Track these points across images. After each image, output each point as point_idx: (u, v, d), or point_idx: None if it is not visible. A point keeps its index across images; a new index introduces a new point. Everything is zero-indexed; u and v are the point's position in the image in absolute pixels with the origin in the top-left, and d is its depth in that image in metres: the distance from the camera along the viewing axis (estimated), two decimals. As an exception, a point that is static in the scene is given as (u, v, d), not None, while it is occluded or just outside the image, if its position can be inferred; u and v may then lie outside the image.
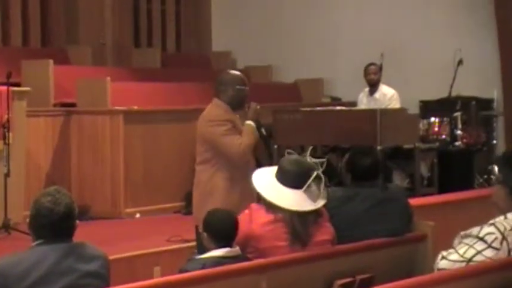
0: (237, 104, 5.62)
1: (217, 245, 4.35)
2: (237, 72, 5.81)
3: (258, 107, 5.68)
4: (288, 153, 4.75)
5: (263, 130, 5.71)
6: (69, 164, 9.29)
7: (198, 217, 5.44)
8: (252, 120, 5.60)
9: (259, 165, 5.07)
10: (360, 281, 4.35)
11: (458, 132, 10.09)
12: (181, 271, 4.18)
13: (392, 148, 9.04)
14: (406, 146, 9.26)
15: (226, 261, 4.21)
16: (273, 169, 4.65)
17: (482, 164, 10.17)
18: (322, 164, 4.33)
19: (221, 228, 4.37)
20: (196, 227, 5.51)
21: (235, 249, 4.35)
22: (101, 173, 9.17)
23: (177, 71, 11.78)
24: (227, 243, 4.35)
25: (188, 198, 7.91)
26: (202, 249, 5.46)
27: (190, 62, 12.56)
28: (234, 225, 4.40)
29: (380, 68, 9.93)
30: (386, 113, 8.88)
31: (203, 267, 4.09)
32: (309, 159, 4.57)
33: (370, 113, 8.77)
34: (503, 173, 4.09)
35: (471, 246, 3.89)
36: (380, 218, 4.83)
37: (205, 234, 4.41)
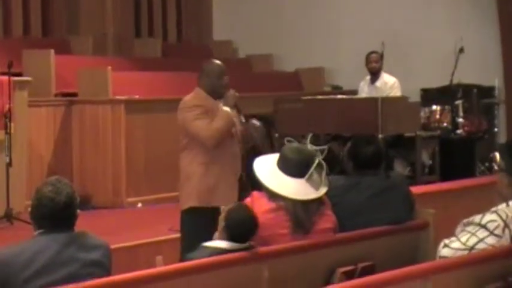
0: (216, 93, 5.78)
1: (228, 237, 4.29)
2: (218, 62, 5.94)
3: (237, 94, 5.81)
4: (288, 141, 4.74)
5: (242, 117, 5.84)
6: (70, 154, 9.29)
7: (181, 202, 5.74)
8: (229, 106, 5.72)
9: (261, 153, 5.07)
10: (361, 268, 4.35)
11: (460, 120, 10.08)
12: (187, 258, 4.15)
13: (393, 136, 9.03)
14: (407, 134, 9.24)
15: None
16: (274, 157, 4.64)
17: (483, 151, 10.15)
18: (322, 151, 4.32)
19: (239, 229, 4.24)
20: (181, 212, 5.72)
21: (245, 244, 4.27)
22: (102, 163, 9.18)
23: (178, 61, 11.76)
24: (236, 241, 4.27)
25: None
26: (188, 234, 5.60)
27: (192, 51, 12.54)
28: (252, 228, 4.28)
29: (381, 57, 9.92)
30: (387, 101, 8.87)
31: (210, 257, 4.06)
32: (310, 146, 4.56)
33: (372, 102, 8.75)
34: (505, 161, 4.09)
35: (473, 234, 3.89)
36: (382, 206, 4.83)
37: (223, 223, 4.33)
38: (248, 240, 4.29)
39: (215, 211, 5.29)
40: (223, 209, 4.45)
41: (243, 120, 5.88)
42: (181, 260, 4.96)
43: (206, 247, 4.26)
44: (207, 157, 5.68)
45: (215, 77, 5.79)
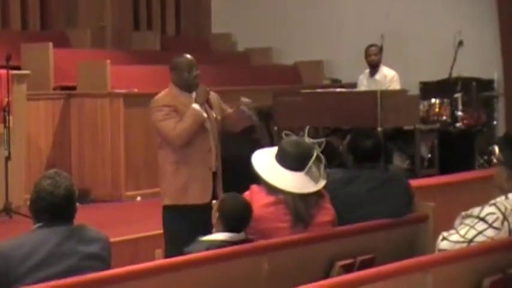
0: (188, 86, 5.75)
1: (223, 228, 4.33)
2: (187, 56, 5.93)
3: (208, 89, 5.78)
4: (286, 134, 4.73)
5: (213, 112, 5.79)
6: (69, 147, 9.29)
7: (163, 198, 5.76)
8: (200, 102, 5.68)
9: (260, 146, 5.07)
10: (360, 262, 4.36)
11: (459, 113, 10.07)
12: (185, 252, 4.17)
13: (392, 129, 9.03)
14: (406, 128, 9.24)
15: (230, 245, 4.19)
16: (272, 150, 4.64)
17: (482, 144, 10.15)
18: (320, 144, 4.31)
19: (232, 215, 4.33)
20: (163, 207, 5.76)
21: (241, 235, 4.31)
22: (101, 156, 9.18)
23: (177, 54, 11.66)
24: (234, 230, 4.31)
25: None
26: (167, 230, 5.68)
27: (190, 44, 12.51)
28: (246, 215, 4.35)
29: (380, 50, 9.91)
30: (386, 94, 8.86)
31: (207, 250, 4.08)
32: (307, 139, 4.56)
33: (371, 95, 8.75)
34: (504, 154, 4.09)
35: (472, 226, 3.90)
36: (381, 199, 4.84)
37: (217, 214, 4.38)
38: (244, 229, 4.32)
39: (189, 209, 5.33)
40: (215, 202, 4.48)
41: (214, 115, 5.81)
42: (166, 256, 5.00)
43: (203, 241, 4.27)
44: (177, 156, 5.67)
45: (185, 70, 5.77)
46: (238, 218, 4.33)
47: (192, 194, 5.62)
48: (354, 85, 10.20)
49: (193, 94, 5.73)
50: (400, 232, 4.87)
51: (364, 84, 9.90)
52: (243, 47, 13.04)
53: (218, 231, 4.34)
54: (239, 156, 5.82)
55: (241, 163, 5.76)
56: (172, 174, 5.68)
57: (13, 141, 7.80)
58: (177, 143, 5.62)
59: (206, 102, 5.74)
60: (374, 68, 9.82)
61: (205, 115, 5.69)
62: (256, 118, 5.84)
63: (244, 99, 5.82)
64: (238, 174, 5.63)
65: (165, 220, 5.79)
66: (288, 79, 12.08)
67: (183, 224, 5.47)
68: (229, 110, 5.93)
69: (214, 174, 5.75)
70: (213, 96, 5.88)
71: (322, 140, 4.40)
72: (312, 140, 4.66)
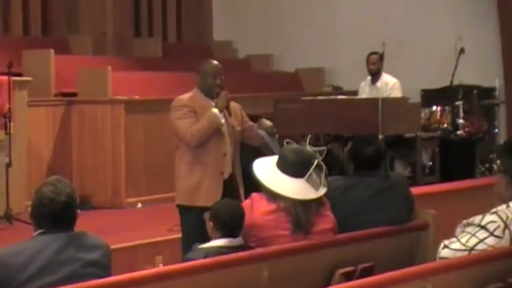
0: (210, 93, 5.86)
1: (220, 234, 4.35)
2: (214, 63, 6.02)
3: (229, 95, 5.86)
4: (287, 142, 4.73)
5: (232, 120, 5.85)
6: (70, 154, 9.29)
7: (176, 198, 5.86)
8: (220, 108, 5.78)
9: (261, 154, 5.07)
10: (361, 269, 4.35)
11: (460, 121, 10.07)
12: (183, 260, 4.18)
13: (394, 137, 9.03)
14: (407, 135, 9.24)
15: (229, 251, 4.21)
16: (274, 158, 4.65)
17: (483, 152, 10.15)
18: (322, 152, 4.32)
19: (226, 219, 4.38)
20: (178, 207, 5.86)
21: (238, 239, 4.35)
22: (102, 163, 9.18)
23: (178, 61, 11.75)
24: (231, 234, 4.35)
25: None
26: (182, 230, 5.75)
27: (191, 51, 12.53)
28: (239, 217, 4.40)
29: (381, 57, 9.91)
30: (388, 102, 8.86)
31: (206, 257, 4.09)
32: (309, 147, 4.55)
33: (372, 102, 8.75)
34: (504, 162, 4.10)
35: (473, 234, 3.89)
36: (382, 206, 4.83)
37: (211, 223, 4.42)
38: (239, 229, 4.34)
39: (198, 210, 5.38)
40: (206, 213, 4.51)
41: (233, 123, 5.90)
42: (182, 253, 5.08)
43: (201, 248, 4.28)
44: (191, 156, 5.80)
45: (210, 77, 5.86)
46: (235, 223, 4.37)
47: (201, 195, 5.71)
48: (355, 92, 10.20)
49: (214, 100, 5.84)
50: (401, 240, 4.86)
51: (365, 91, 9.90)
52: (244, 54, 13.05)
53: (215, 237, 4.36)
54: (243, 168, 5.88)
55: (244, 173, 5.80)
56: (185, 174, 5.80)
57: (14, 148, 7.80)
58: (190, 142, 5.72)
59: (226, 109, 5.84)
60: (374, 76, 9.83)
61: (222, 121, 5.79)
62: (272, 141, 5.90)
63: (266, 122, 5.90)
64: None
65: (180, 218, 5.93)
66: (288, 86, 12.07)
67: (194, 225, 5.51)
68: (250, 123, 6.05)
69: (229, 181, 5.81)
70: (235, 106, 5.98)
71: (324, 148, 4.39)
72: (313, 148, 4.64)
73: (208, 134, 5.72)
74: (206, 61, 6.09)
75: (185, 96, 5.91)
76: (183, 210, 5.85)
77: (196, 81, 5.94)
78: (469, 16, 11.37)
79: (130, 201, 9.13)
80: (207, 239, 4.46)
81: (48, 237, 3.62)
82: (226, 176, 5.83)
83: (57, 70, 9.67)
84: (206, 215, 4.53)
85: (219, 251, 4.21)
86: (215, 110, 5.76)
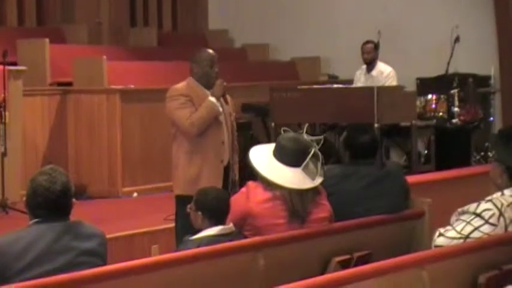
0: (206, 82, 5.85)
1: (211, 223, 4.35)
2: (209, 51, 6.00)
3: (224, 83, 5.87)
4: (284, 131, 4.73)
5: (229, 108, 5.90)
6: (66, 143, 9.27)
7: (175, 188, 5.86)
8: (217, 96, 5.79)
9: (257, 143, 5.08)
10: (357, 258, 4.36)
11: (456, 109, 10.07)
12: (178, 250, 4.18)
13: (389, 126, 9.03)
14: (403, 124, 9.24)
15: (221, 239, 4.21)
16: (270, 146, 4.64)
17: (479, 141, 10.16)
18: (318, 141, 4.31)
19: (215, 207, 4.39)
20: (177, 197, 5.82)
21: (229, 227, 4.35)
22: (97, 152, 9.17)
23: (174, 50, 11.74)
24: (221, 221, 4.35)
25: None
26: (178, 219, 5.73)
27: (187, 40, 12.51)
28: (227, 202, 4.42)
29: (376, 46, 9.88)
30: (383, 90, 8.86)
31: (198, 247, 4.08)
32: (306, 136, 4.54)
33: (368, 91, 8.74)
34: (498, 151, 4.11)
35: (468, 222, 3.90)
36: (378, 195, 4.84)
37: (199, 213, 4.41)
38: (226, 215, 4.36)
39: None
40: (189, 205, 4.51)
41: (230, 110, 5.94)
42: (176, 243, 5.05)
43: (192, 240, 4.26)
44: (190, 146, 5.79)
45: (206, 65, 5.85)
46: (222, 207, 4.39)
47: (202, 184, 5.63)
48: (351, 81, 10.19)
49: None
50: (397, 228, 4.87)
51: (361, 80, 9.89)
52: (240, 43, 13.03)
53: (204, 228, 4.35)
54: None
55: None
56: (185, 164, 5.79)
57: (9, 137, 7.79)
58: (190, 131, 5.72)
59: (222, 98, 5.84)
60: (369, 64, 9.81)
61: (220, 109, 5.79)
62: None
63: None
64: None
65: (176, 210, 5.87)
66: (284, 75, 12.07)
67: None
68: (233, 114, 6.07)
69: (227, 168, 5.82)
70: (228, 97, 5.99)
71: (321, 137, 4.40)
72: (310, 137, 4.64)
73: (208, 123, 5.73)
74: (201, 50, 6.08)
75: (181, 85, 5.88)
76: (183, 200, 5.74)
77: (192, 70, 5.91)
78: (464, 4, 11.37)
79: (126, 190, 9.13)
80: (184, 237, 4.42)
81: (44, 226, 3.62)
82: (225, 163, 5.84)
83: (53, 59, 9.65)
84: (190, 207, 4.51)
85: (211, 239, 4.20)
86: (213, 99, 5.76)
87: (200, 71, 5.85)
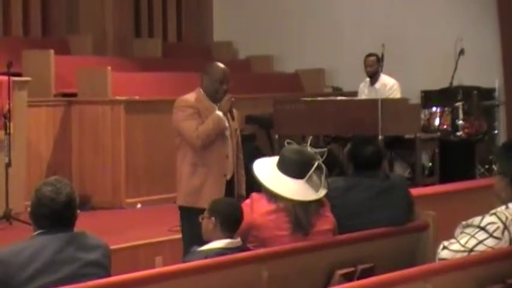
0: (215, 97, 5.84)
1: (222, 230, 4.35)
2: (222, 67, 5.95)
3: (233, 99, 5.85)
4: (288, 143, 4.74)
5: (235, 124, 5.92)
6: (70, 154, 9.28)
7: (178, 199, 5.87)
8: (224, 111, 5.79)
9: (261, 155, 5.09)
10: (361, 270, 4.35)
11: (460, 122, 10.07)
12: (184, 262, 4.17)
13: (393, 138, 9.03)
14: (407, 136, 9.24)
15: (228, 252, 4.21)
16: (274, 159, 4.65)
17: (483, 154, 10.16)
18: (322, 154, 4.31)
19: (229, 212, 4.40)
20: (180, 208, 5.86)
21: (237, 241, 4.35)
22: (102, 163, 9.17)
23: (178, 61, 11.76)
24: (232, 230, 4.35)
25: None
26: (183, 231, 5.78)
27: (192, 52, 12.53)
28: (240, 211, 4.44)
29: (378, 59, 9.88)
30: (387, 103, 8.87)
31: (206, 259, 4.09)
32: (310, 149, 4.55)
33: (372, 103, 8.76)
34: (502, 164, 4.10)
35: (472, 236, 3.89)
36: (382, 207, 4.83)
37: (212, 218, 4.40)
38: (238, 228, 4.35)
39: (200, 212, 5.39)
40: (201, 216, 4.51)
41: (236, 126, 5.95)
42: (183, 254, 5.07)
43: (200, 251, 4.28)
44: (195, 158, 5.79)
45: (217, 81, 5.83)
46: (236, 215, 4.39)
47: (204, 197, 5.67)
48: (355, 93, 10.20)
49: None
50: (401, 241, 4.86)
51: (364, 93, 9.89)
52: (244, 55, 13.05)
53: (214, 238, 4.36)
54: None
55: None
56: (188, 176, 5.79)
57: (14, 148, 7.80)
58: (196, 144, 5.72)
59: (229, 113, 5.84)
60: (372, 77, 9.81)
61: (226, 124, 5.80)
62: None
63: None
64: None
65: (181, 219, 5.91)
66: (289, 87, 12.08)
67: (196, 226, 5.50)
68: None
69: (230, 182, 5.83)
70: (235, 111, 5.99)
71: (325, 149, 4.39)
72: (314, 150, 4.64)
73: (213, 137, 5.73)
74: (215, 64, 6.02)
75: (190, 97, 5.86)
76: (185, 211, 5.82)
77: (203, 81, 5.88)
78: (469, 17, 11.38)
79: (130, 201, 9.13)
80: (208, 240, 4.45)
81: (48, 237, 3.62)
82: (228, 177, 5.84)
83: (57, 70, 9.66)
84: (202, 216, 4.51)
85: (219, 252, 4.21)
86: (220, 113, 5.77)
87: (210, 85, 5.83)
